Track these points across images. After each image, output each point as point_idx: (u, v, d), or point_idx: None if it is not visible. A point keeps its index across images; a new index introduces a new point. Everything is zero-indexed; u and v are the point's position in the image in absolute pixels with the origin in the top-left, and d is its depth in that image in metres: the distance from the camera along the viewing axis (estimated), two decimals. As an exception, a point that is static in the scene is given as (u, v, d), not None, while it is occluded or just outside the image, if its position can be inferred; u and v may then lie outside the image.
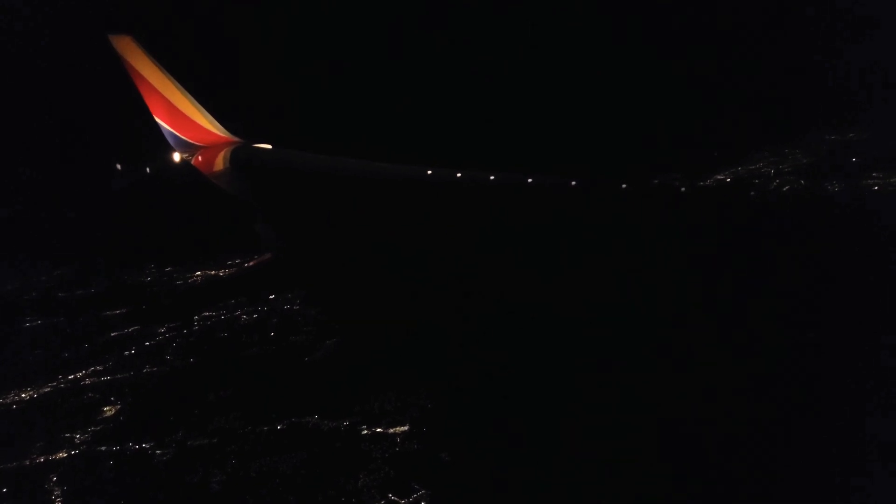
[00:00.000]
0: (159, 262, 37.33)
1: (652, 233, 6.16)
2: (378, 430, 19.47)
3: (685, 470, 3.54)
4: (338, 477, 17.83)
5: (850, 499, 3.14)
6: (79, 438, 21.16)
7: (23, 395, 24.16)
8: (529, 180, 8.19)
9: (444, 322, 5.50)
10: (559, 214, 7.01)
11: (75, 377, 25.13)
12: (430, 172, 9.45)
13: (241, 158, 14.88)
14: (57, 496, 18.61)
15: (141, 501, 18.34)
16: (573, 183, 7.63)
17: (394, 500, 16.59)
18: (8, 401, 23.92)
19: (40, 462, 20.10)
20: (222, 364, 25.26)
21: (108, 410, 22.77)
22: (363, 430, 19.63)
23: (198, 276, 35.82)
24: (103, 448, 20.53)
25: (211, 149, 15.96)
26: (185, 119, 16.33)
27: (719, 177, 39.37)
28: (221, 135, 16.50)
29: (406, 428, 19.17)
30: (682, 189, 6.74)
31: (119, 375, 25.09)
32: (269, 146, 15.67)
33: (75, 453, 20.44)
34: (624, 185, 7.28)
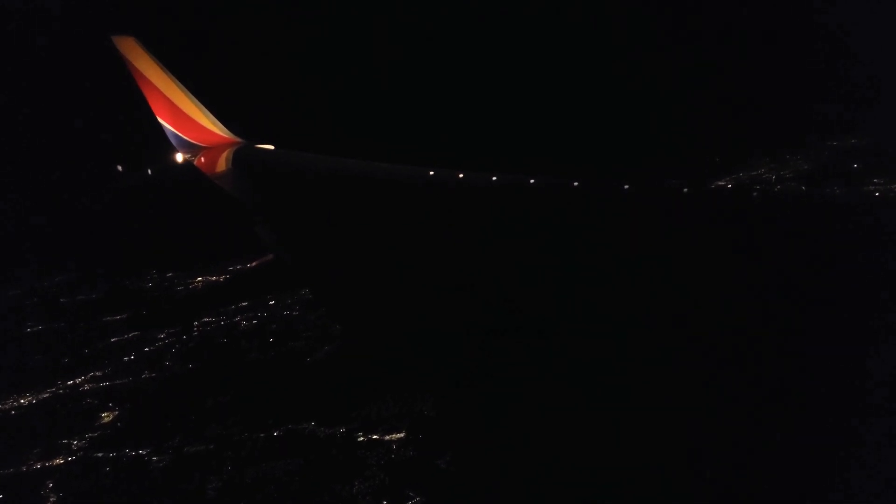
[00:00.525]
0: (161, 268, 37.45)
1: (655, 233, 6.15)
2: (374, 436, 19.46)
3: (688, 477, 3.54)
4: (333, 483, 17.83)
5: (850, 498, 3.14)
6: (76, 444, 21.21)
7: (22, 401, 24.24)
8: (532, 181, 8.19)
9: (443, 327, 5.49)
10: (561, 215, 7.03)
11: (74, 383, 25.20)
12: (432, 173, 9.46)
13: (244, 159, 14.90)
14: (53, 502, 18.65)
15: (136, 508, 18.38)
16: (575, 184, 7.62)
17: (388, 507, 16.59)
18: (7, 406, 24.00)
19: (37, 468, 20.14)
20: (221, 370, 25.30)
21: (107, 416, 22.82)
22: (359, 436, 19.62)
23: (199, 281, 35.92)
24: (100, 454, 20.57)
25: (213, 150, 15.99)
26: (187, 120, 16.38)
27: (720, 182, 39.32)
28: (224, 135, 16.53)
29: (402, 435, 19.15)
30: (685, 190, 6.72)
31: (118, 381, 25.16)
32: (272, 147, 15.70)
33: (72, 459, 20.49)
34: (627, 186, 7.27)
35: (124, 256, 39.78)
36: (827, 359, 3.91)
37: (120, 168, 42.93)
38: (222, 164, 15.03)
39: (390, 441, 19.08)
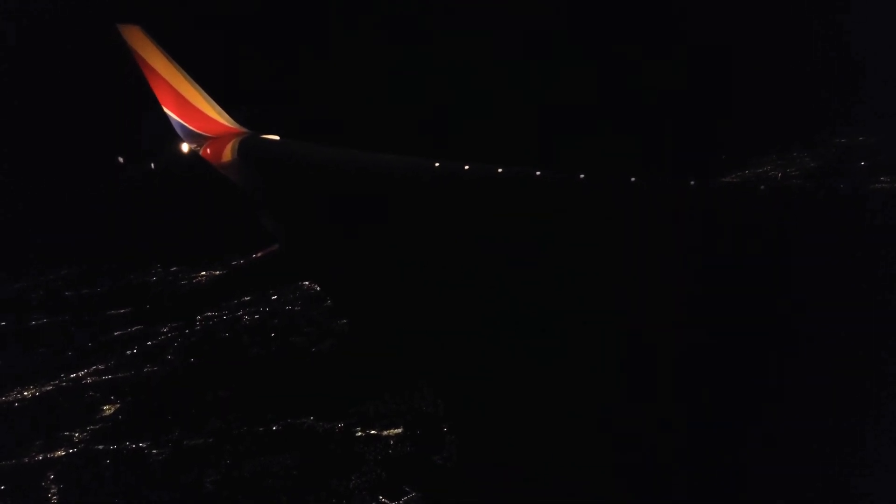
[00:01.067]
0: (165, 262, 37.59)
1: (661, 226, 6.12)
2: (372, 432, 19.51)
3: (688, 476, 3.52)
4: (330, 478, 17.89)
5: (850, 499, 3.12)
6: (77, 437, 21.36)
7: (25, 394, 24.41)
8: (538, 174, 8.17)
9: (444, 323, 5.47)
10: (567, 208, 7.00)
11: (77, 376, 25.36)
12: (437, 165, 9.45)
13: (249, 149, 14.90)
14: (53, 494, 18.79)
15: (135, 501, 18.47)
16: (581, 177, 7.60)
17: (384, 501, 16.62)
18: (10, 398, 24.18)
19: (39, 460, 20.30)
20: (222, 364, 25.42)
21: (108, 409, 22.96)
22: (357, 431, 19.68)
23: (203, 276, 36.05)
24: (101, 447, 20.71)
25: (219, 139, 15.98)
26: (193, 109, 16.36)
27: (726, 179, 39.11)
28: (230, 126, 16.51)
29: (400, 430, 19.20)
30: (692, 183, 6.65)
31: (120, 375, 25.30)
32: (277, 137, 15.69)
33: (73, 452, 20.65)
34: (633, 179, 7.25)
35: (129, 251, 39.93)
36: (828, 356, 3.87)
37: (121, 160, 42.84)
38: (228, 154, 15.02)
39: (388, 436, 19.13)
